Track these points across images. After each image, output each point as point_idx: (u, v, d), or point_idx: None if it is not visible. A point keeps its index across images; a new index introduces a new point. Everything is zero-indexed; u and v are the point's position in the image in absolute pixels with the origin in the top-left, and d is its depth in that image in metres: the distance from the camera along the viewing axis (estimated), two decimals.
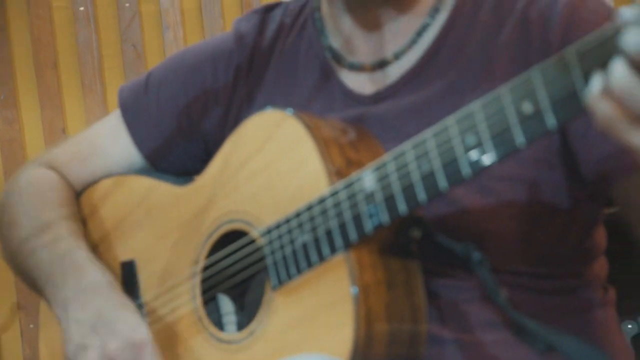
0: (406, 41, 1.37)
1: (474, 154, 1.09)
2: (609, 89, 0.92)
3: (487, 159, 1.08)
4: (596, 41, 0.95)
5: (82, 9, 3.16)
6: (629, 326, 2.20)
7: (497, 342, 1.28)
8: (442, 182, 1.13)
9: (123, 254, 1.50)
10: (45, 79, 3.14)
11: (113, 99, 3.18)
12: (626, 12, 0.91)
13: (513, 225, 1.27)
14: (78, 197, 1.58)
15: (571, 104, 0.99)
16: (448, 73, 1.33)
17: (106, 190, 1.55)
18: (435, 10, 1.37)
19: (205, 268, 1.39)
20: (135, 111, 1.57)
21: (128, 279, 1.48)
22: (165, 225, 1.46)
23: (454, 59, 1.33)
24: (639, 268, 1.40)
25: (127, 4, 3.19)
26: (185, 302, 1.40)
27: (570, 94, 0.98)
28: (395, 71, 1.38)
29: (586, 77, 0.97)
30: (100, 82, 3.18)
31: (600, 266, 1.37)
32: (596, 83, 0.94)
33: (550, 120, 1.01)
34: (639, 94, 0.90)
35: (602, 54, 0.95)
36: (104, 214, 1.53)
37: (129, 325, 1.32)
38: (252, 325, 1.31)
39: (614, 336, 1.36)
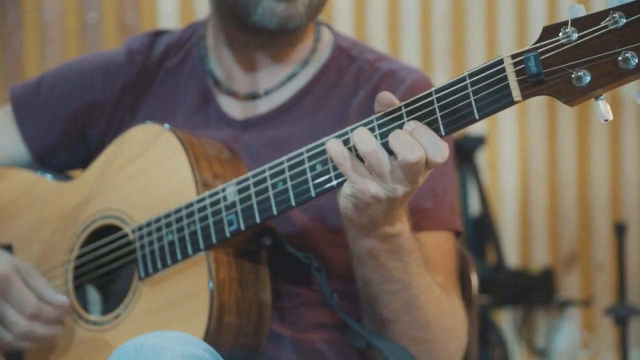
0: (277, 82, 1.60)
1: (320, 179, 1.33)
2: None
3: (330, 184, 1.33)
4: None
5: None
6: None
7: (326, 340, 1.50)
8: (291, 200, 1.36)
9: (1, 238, 1.63)
10: None
11: None
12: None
13: (342, 253, 1.50)
14: None
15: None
16: (309, 118, 1.57)
17: None
18: (305, 62, 1.61)
19: (79, 257, 1.56)
20: (26, 110, 1.69)
21: None
22: (44, 215, 1.60)
23: (316, 108, 1.57)
24: None
25: (10, 15, 3.29)
26: (57, 285, 1.55)
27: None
28: (264, 105, 1.60)
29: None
30: None
31: None
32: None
33: None
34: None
35: None
36: None
37: None
38: (118, 310, 1.48)
39: None
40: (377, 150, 1.25)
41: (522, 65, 1.15)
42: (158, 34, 1.72)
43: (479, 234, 3.45)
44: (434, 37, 3.69)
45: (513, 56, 1.16)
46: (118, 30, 3.40)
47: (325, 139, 1.33)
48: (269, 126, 1.57)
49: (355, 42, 1.64)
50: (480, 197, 3.44)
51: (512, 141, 3.78)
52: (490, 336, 3.23)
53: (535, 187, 3.81)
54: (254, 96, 1.60)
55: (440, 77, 1.55)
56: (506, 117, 3.71)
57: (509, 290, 3.45)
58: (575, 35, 1.12)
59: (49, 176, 1.65)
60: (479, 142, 3.42)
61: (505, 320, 3.70)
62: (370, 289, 1.41)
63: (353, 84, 1.58)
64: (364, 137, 1.27)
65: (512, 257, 3.73)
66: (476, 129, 3.37)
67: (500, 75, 1.17)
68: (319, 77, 1.59)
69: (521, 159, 3.81)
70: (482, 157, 3.69)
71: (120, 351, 1.22)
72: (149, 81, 1.66)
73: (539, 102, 3.74)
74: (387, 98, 1.28)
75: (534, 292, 3.50)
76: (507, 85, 1.17)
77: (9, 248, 1.61)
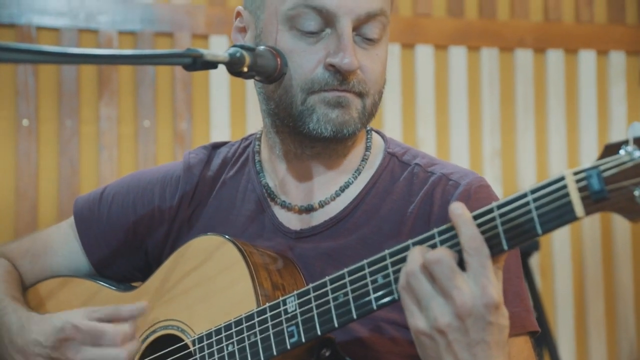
0: (331, 194, 1.62)
1: (381, 291, 1.34)
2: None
3: (392, 296, 1.33)
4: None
5: (25, 123, 3.35)
6: None
7: None
8: (353, 313, 1.36)
9: None
10: None
11: (45, 208, 3.33)
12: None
13: None
14: (25, 291, 1.75)
15: None
16: (363, 228, 1.57)
17: (53, 289, 1.72)
18: (358, 172, 1.63)
19: None
20: (88, 221, 1.75)
21: None
22: None
23: (369, 217, 1.58)
24: None
25: (68, 123, 3.39)
26: None
27: None
28: (319, 216, 1.61)
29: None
30: (35, 191, 3.33)
31: None
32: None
33: None
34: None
35: None
36: (49, 310, 1.70)
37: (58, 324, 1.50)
38: None
39: None
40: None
41: (584, 182, 1.16)
42: (215, 147, 1.77)
43: (534, 339, 3.38)
44: (483, 140, 3.72)
45: (575, 173, 1.17)
46: (171, 136, 3.47)
47: (386, 251, 1.34)
48: (323, 237, 1.59)
49: (406, 148, 1.66)
50: (535, 301, 3.39)
51: (566, 245, 3.75)
52: None
53: (590, 293, 3.75)
54: (309, 209, 1.62)
55: (490, 181, 1.56)
56: None
57: None
58: (637, 154, 1.13)
59: (109, 286, 1.68)
60: (532, 246, 3.39)
61: None
62: None
63: (406, 191, 1.58)
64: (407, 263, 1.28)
65: None
66: None
67: (563, 192, 1.18)
68: (371, 185, 1.60)
69: (575, 263, 3.77)
70: (535, 261, 3.66)
71: None
72: (207, 193, 1.70)
73: None
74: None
75: None
76: (570, 202, 1.17)
77: None
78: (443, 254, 1.23)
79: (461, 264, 1.24)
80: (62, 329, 1.50)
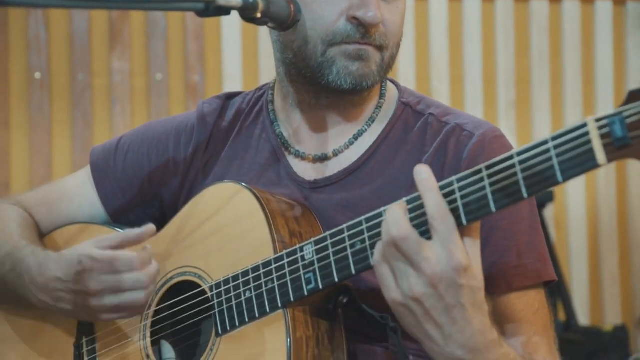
0: (345, 142, 1.62)
1: None
2: None
3: None
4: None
5: (37, 76, 3.34)
6: None
7: None
8: (370, 259, 1.36)
9: None
10: None
11: (59, 161, 3.34)
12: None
13: None
14: (42, 238, 1.75)
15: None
16: (378, 179, 1.57)
17: (71, 235, 1.72)
18: (371, 120, 1.62)
19: (156, 312, 1.58)
20: (104, 171, 1.75)
21: None
22: None
23: (384, 168, 1.58)
24: None
25: (81, 76, 3.39)
26: (135, 340, 1.57)
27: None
28: (333, 166, 1.61)
29: None
30: (49, 145, 3.34)
31: None
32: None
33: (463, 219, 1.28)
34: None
35: None
36: None
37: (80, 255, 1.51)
38: None
39: None
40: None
41: (607, 129, 1.15)
42: (229, 97, 1.76)
43: (548, 291, 3.40)
44: (498, 91, 3.70)
45: (597, 120, 1.16)
46: (184, 89, 3.47)
47: (404, 199, 1.33)
48: (338, 188, 1.58)
49: (420, 97, 1.65)
50: (549, 254, 3.40)
51: (581, 197, 3.75)
52: None
53: (605, 244, 3.76)
54: (323, 158, 1.62)
55: (505, 132, 1.54)
56: None
57: (580, 350, 3.37)
58: None
59: None
60: (546, 197, 3.38)
61: None
62: None
63: (420, 141, 1.58)
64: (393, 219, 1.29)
65: (583, 316, 3.66)
66: None
67: (584, 139, 1.16)
68: (385, 135, 1.60)
69: (590, 215, 3.76)
70: (549, 213, 3.65)
71: None
72: (221, 143, 1.70)
73: None
74: None
75: (606, 351, 3.41)
76: (592, 149, 1.16)
77: None
78: (408, 231, 1.27)
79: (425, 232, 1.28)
80: (79, 262, 1.51)
